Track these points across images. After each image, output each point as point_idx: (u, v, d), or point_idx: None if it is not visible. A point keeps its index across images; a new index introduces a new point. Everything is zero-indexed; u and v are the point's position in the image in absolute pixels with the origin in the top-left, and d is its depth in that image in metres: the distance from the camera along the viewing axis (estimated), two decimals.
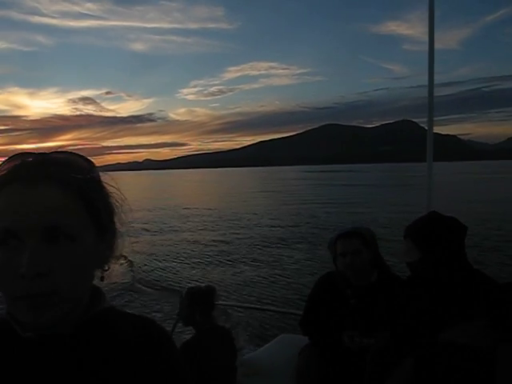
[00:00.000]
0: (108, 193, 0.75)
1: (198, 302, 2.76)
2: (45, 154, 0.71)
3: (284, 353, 3.15)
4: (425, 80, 3.43)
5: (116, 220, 0.77)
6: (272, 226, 21.43)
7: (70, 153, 0.74)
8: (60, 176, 0.67)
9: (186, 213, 29.78)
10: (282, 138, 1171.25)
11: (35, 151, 0.71)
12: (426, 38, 3.38)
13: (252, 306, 6.97)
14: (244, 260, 13.80)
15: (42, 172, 0.67)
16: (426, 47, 3.39)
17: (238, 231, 20.36)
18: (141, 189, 67.80)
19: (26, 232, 0.63)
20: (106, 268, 0.77)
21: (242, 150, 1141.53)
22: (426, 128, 3.46)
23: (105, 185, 0.75)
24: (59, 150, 0.74)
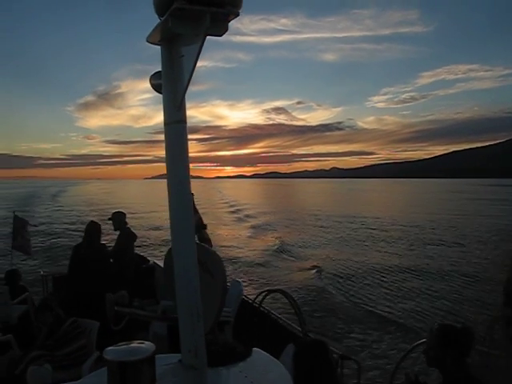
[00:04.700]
0: None
1: (453, 344, 2.30)
2: None
3: None
4: None
5: None
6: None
7: None
8: None
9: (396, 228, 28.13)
10: (480, 147, 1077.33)
11: None
12: None
13: None
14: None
15: None
16: None
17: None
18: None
19: None
20: None
21: (433, 160, 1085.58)
22: None
23: None
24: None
